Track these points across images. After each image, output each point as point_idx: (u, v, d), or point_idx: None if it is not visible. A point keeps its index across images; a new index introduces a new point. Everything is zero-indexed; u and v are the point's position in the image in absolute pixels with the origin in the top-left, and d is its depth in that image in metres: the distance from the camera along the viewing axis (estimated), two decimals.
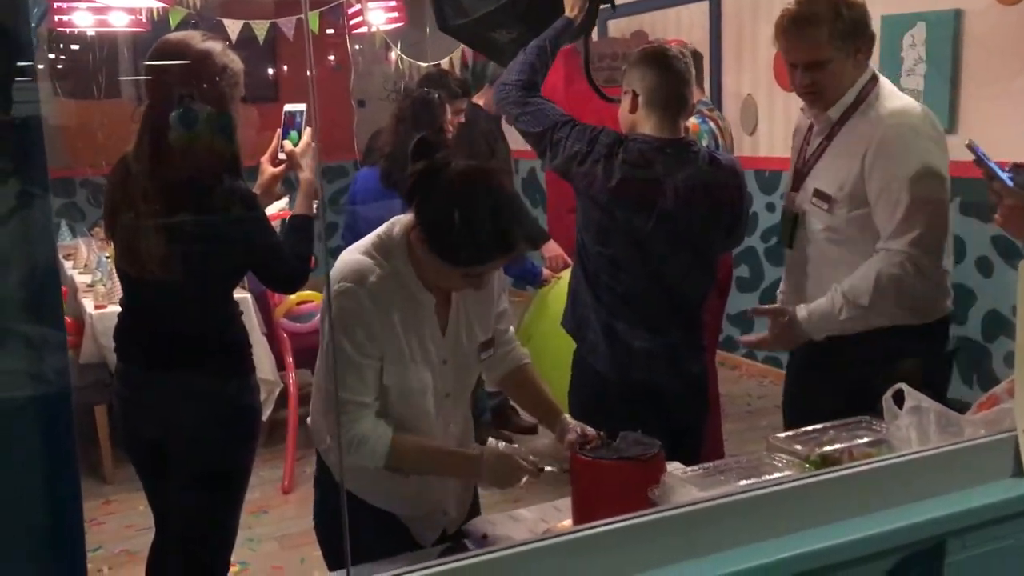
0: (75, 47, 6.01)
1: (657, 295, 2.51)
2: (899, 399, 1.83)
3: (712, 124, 3.87)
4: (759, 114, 5.46)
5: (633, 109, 2.48)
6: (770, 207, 5.44)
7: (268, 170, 2.31)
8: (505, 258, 1.75)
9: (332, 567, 1.86)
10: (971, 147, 2.11)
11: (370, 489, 1.86)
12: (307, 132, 2.29)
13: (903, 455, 1.51)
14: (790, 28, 2.30)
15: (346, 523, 1.30)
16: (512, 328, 2.10)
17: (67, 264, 4.82)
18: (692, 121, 3.81)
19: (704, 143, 3.70)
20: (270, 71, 7.13)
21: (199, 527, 2.27)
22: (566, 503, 2.09)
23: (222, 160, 2.09)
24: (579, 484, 1.85)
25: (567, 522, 1.92)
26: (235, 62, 2.14)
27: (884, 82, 2.37)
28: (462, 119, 3.90)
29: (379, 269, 1.73)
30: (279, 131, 2.30)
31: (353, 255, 1.76)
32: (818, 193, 2.37)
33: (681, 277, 2.52)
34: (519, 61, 2.56)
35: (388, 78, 6.43)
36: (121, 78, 5.82)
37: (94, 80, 5.92)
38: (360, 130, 6.53)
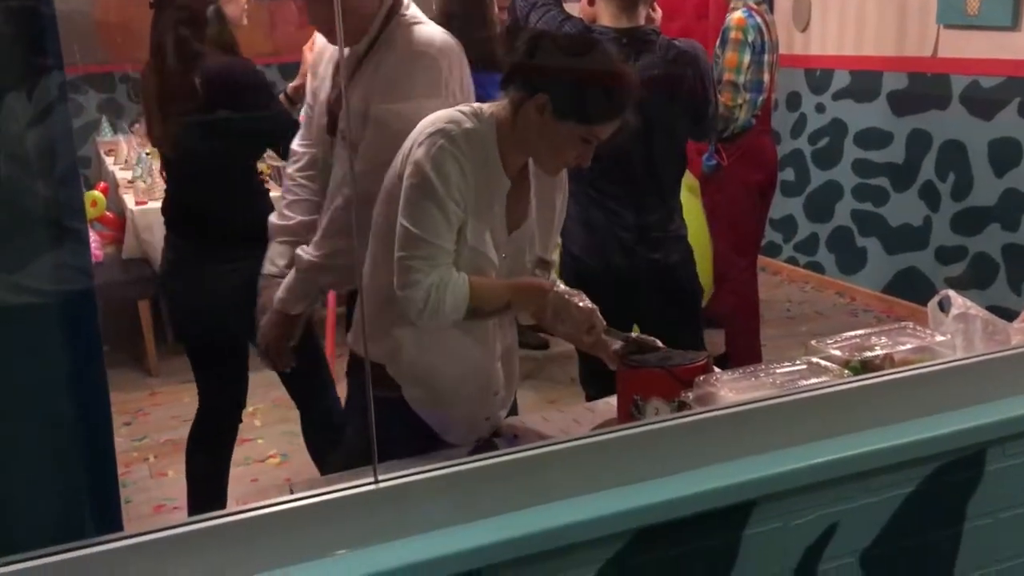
0: None
1: (625, 180, 2.57)
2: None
3: (759, 19, 3.75)
4: (812, 11, 5.25)
5: (591, 2, 2.61)
6: (819, 107, 5.27)
7: (307, 57, 2.53)
8: (622, 114, 1.76)
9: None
10: None
11: (422, 384, 1.83)
12: None
13: (944, 363, 1.48)
14: None
15: (371, 401, 1.29)
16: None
17: (108, 160, 4.84)
18: (739, 15, 3.71)
19: (750, 38, 3.66)
20: None
21: (216, 386, 2.58)
22: (597, 405, 2.10)
23: (223, 47, 2.37)
24: (625, 391, 1.85)
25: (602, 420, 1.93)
26: None
27: (411, 12, 1.97)
28: (505, 16, 3.78)
29: (473, 124, 1.71)
30: None
31: (445, 110, 1.75)
32: (343, 135, 2.00)
33: (647, 161, 2.56)
34: None
35: None
36: None
37: None
38: None
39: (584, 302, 1.79)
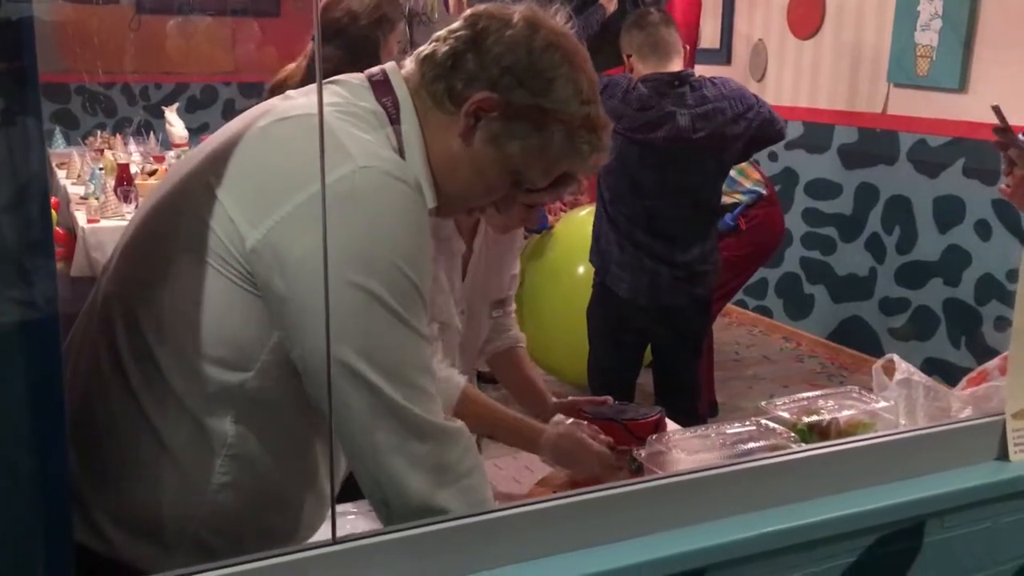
0: None
1: (673, 213, 2.96)
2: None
3: None
4: (769, 60, 5.38)
5: (631, 68, 2.97)
6: (772, 156, 5.39)
7: None
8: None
9: None
10: (997, 109, 1.98)
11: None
12: None
13: (888, 435, 1.52)
14: None
15: None
16: (513, 305, 2.09)
17: (60, 173, 4.75)
18: None
19: None
20: None
21: None
22: (534, 460, 2.09)
23: None
24: None
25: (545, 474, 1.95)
26: None
27: None
28: None
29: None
30: None
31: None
32: None
33: (694, 191, 2.99)
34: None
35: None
36: None
37: None
38: None
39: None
